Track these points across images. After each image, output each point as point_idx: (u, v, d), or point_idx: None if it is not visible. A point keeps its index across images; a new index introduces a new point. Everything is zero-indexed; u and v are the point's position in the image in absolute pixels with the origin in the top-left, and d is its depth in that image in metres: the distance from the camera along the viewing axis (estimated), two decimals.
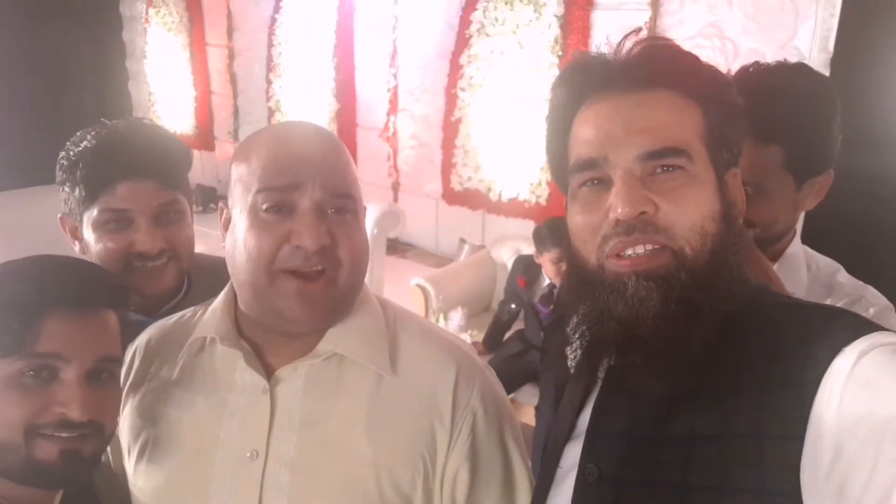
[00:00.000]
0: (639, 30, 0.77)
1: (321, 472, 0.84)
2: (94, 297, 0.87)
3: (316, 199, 0.81)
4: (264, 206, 0.81)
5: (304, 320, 0.83)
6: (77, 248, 1.21)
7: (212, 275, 1.29)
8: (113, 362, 0.88)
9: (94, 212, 1.13)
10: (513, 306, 3.24)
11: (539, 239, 2.97)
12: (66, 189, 1.16)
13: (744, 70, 1.03)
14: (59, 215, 1.22)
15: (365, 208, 0.93)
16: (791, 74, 1.03)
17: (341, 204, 0.84)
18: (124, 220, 1.13)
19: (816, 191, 1.04)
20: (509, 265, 3.70)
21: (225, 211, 0.89)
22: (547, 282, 3.07)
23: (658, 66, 0.73)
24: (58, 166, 1.17)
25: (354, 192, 0.86)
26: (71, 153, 1.16)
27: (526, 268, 3.17)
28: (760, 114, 0.83)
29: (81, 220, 1.16)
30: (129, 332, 0.94)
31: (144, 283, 1.15)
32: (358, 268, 0.86)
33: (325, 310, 0.84)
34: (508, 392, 3.13)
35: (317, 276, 0.82)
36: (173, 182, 1.18)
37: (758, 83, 1.00)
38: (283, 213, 0.81)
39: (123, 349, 0.92)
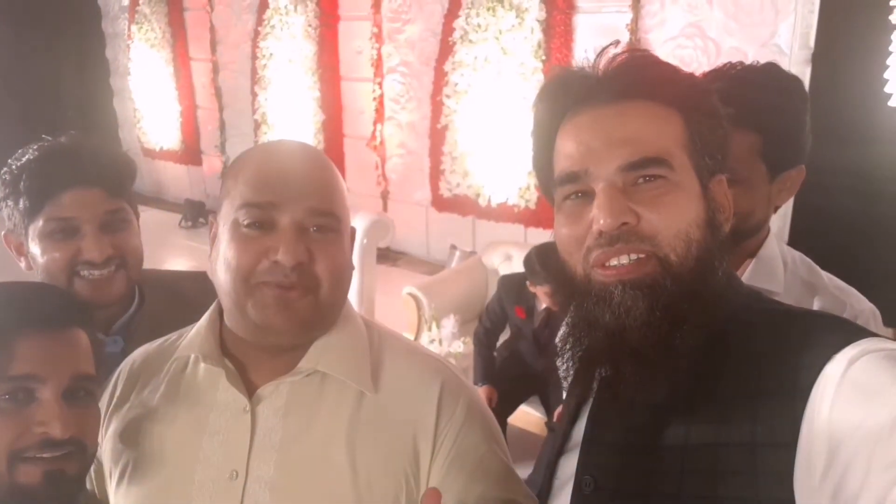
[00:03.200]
0: (617, 42, 0.77)
1: (301, 492, 0.84)
2: (62, 317, 0.87)
3: (296, 217, 0.82)
4: (245, 222, 0.82)
5: (282, 328, 0.83)
6: (23, 264, 1.20)
7: (164, 288, 1.30)
8: (88, 380, 0.88)
9: (40, 222, 1.12)
10: (487, 326, 3.08)
11: (530, 271, 2.77)
12: (10, 203, 1.15)
13: (718, 68, 1.06)
14: (2, 233, 1.21)
15: (354, 229, 0.93)
16: (765, 69, 1.06)
17: (323, 222, 0.84)
18: (70, 228, 1.13)
19: (789, 186, 1.06)
20: (501, 270, 3.68)
21: (214, 225, 0.89)
22: (543, 306, 2.93)
23: (636, 76, 0.73)
24: (0, 182, 1.16)
25: (338, 210, 0.86)
26: (13, 167, 1.15)
27: (519, 295, 2.95)
28: (738, 100, 0.85)
29: (26, 233, 1.15)
30: (99, 352, 0.93)
31: (93, 293, 1.14)
32: (338, 285, 0.86)
33: (304, 318, 0.84)
34: (513, 409, 3.08)
35: (295, 287, 0.82)
36: (119, 190, 1.18)
37: (733, 75, 1.03)
38: (263, 229, 0.82)
39: (97, 368, 0.91)
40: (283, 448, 0.85)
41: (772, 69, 1.06)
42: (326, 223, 0.84)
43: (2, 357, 0.80)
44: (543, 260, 2.68)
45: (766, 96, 1.00)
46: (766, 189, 1.03)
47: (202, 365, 0.91)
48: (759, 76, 1.04)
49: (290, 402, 0.87)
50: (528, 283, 2.83)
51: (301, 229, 0.82)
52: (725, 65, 1.06)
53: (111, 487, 0.94)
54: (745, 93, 0.96)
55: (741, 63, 1.06)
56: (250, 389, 0.88)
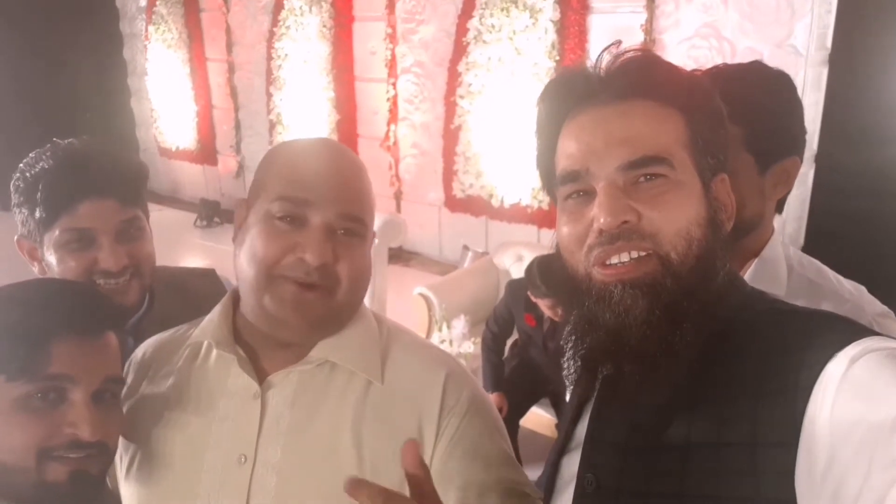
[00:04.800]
0: (619, 42, 0.77)
1: (307, 476, 0.86)
2: (98, 320, 0.89)
3: (327, 218, 0.85)
4: (278, 215, 0.85)
5: (295, 326, 0.86)
6: (36, 269, 1.21)
7: (174, 287, 1.31)
8: (116, 383, 0.90)
9: (56, 232, 1.13)
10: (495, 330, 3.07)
11: (531, 283, 2.74)
12: (24, 211, 1.16)
13: (706, 70, 1.07)
14: (15, 237, 1.22)
15: (375, 233, 0.95)
16: (748, 66, 1.07)
17: (351, 227, 0.87)
18: (86, 238, 1.14)
19: (784, 179, 1.05)
20: (512, 271, 3.68)
21: (242, 211, 0.92)
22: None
23: (637, 76, 0.73)
24: (13, 188, 1.17)
25: (366, 217, 0.89)
26: (27, 174, 1.15)
27: (528, 302, 2.88)
28: (720, 94, 0.85)
29: (42, 242, 1.16)
30: (124, 354, 0.95)
31: None
32: (356, 287, 0.89)
33: (317, 318, 0.86)
34: (524, 413, 3.06)
35: (314, 287, 0.85)
36: (133, 199, 1.19)
37: (716, 73, 1.04)
38: (294, 224, 0.85)
39: (122, 369, 0.94)
40: (291, 434, 0.87)
41: (755, 66, 1.07)
42: (354, 228, 0.87)
43: (38, 356, 0.82)
44: (544, 272, 2.65)
45: (747, 89, 1.00)
46: (757, 181, 1.03)
47: (214, 352, 0.93)
48: (740, 72, 1.05)
49: (298, 390, 0.89)
50: (528, 293, 2.80)
51: (330, 230, 0.85)
52: (712, 68, 1.07)
53: (121, 472, 0.97)
54: (726, 88, 0.96)
55: (725, 64, 1.07)
56: (261, 377, 0.90)
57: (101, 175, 1.15)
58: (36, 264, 1.21)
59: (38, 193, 1.13)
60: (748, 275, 1.05)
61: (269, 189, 0.87)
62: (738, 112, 0.96)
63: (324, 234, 0.84)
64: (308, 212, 0.84)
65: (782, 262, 1.07)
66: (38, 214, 1.14)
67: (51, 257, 1.15)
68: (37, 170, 1.15)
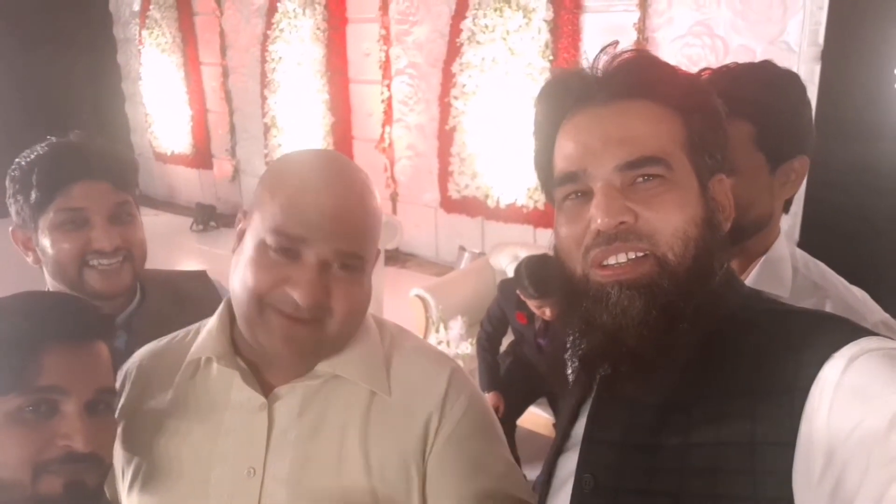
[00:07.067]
0: (616, 43, 0.77)
1: (317, 488, 0.85)
2: (87, 330, 0.88)
3: (323, 255, 0.81)
4: (273, 246, 0.82)
5: (285, 357, 0.86)
6: (30, 259, 1.24)
7: (165, 286, 1.34)
8: (109, 393, 0.89)
9: (50, 214, 1.17)
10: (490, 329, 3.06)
11: (520, 282, 2.71)
12: (20, 199, 1.19)
13: (715, 70, 1.07)
14: (10, 228, 1.24)
15: (378, 251, 0.93)
16: (758, 65, 1.07)
17: (347, 262, 0.83)
18: (80, 219, 1.17)
19: (793, 178, 1.05)
20: (509, 271, 3.67)
21: (242, 223, 0.89)
22: None
23: (634, 76, 0.73)
24: (9, 179, 1.20)
25: (365, 251, 0.86)
26: (23, 163, 1.19)
27: (520, 301, 2.85)
28: (730, 92, 0.85)
29: (36, 227, 1.19)
30: (115, 361, 0.94)
31: (102, 282, 1.19)
32: (350, 319, 0.86)
33: (308, 351, 0.86)
34: (521, 412, 3.06)
35: (304, 322, 0.83)
36: (124, 184, 1.23)
37: (727, 70, 1.04)
38: (289, 256, 0.82)
39: (114, 379, 0.92)
40: (299, 445, 0.86)
41: (765, 65, 1.06)
42: (351, 263, 0.84)
43: (29, 368, 0.81)
44: (532, 272, 2.64)
45: (758, 87, 1.00)
46: (767, 180, 1.02)
47: (215, 365, 0.91)
48: (750, 70, 1.05)
49: (304, 402, 0.88)
50: (517, 291, 2.79)
51: (324, 266, 0.82)
52: (721, 67, 1.06)
53: (124, 488, 0.96)
54: (737, 85, 0.96)
55: (736, 63, 1.06)
56: (264, 388, 0.89)
57: (95, 159, 1.19)
58: (30, 254, 1.23)
59: (34, 176, 1.16)
60: (753, 274, 1.05)
61: (265, 215, 0.83)
62: (749, 110, 0.96)
63: (317, 273, 0.81)
64: (303, 247, 0.81)
65: (787, 263, 1.07)
66: (33, 197, 1.17)
67: (45, 240, 1.18)
68: (31, 158, 1.19)
